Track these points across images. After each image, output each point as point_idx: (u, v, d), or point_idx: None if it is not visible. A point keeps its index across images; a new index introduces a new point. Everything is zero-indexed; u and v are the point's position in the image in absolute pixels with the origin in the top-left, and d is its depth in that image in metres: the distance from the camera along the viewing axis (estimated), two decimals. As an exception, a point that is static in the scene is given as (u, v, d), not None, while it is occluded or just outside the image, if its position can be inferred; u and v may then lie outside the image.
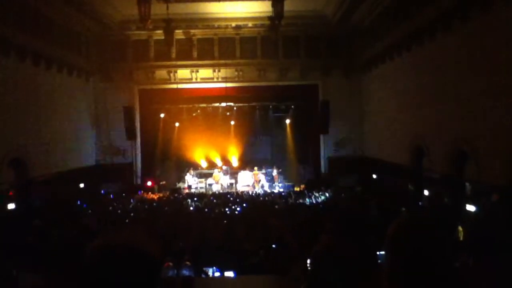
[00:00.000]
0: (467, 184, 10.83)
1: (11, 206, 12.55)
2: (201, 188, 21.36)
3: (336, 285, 1.74)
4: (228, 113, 22.64)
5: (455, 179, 11.33)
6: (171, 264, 6.70)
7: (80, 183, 17.52)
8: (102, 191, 18.31)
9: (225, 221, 11.08)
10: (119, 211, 13.86)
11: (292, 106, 22.25)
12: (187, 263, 6.96)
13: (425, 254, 1.63)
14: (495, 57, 9.52)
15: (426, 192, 12.98)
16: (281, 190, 20.25)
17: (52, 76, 15.86)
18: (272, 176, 21.94)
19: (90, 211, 13.89)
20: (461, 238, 8.61)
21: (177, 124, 22.58)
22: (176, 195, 18.77)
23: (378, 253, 1.99)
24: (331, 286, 1.74)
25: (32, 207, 13.38)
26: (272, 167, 22.25)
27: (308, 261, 1.77)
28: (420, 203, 12.91)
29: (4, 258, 5.67)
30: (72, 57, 17.37)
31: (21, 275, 4.73)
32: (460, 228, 8.77)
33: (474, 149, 10.43)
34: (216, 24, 19.52)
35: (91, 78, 19.54)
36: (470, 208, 10.18)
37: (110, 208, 14.54)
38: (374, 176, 18.33)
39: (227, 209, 13.60)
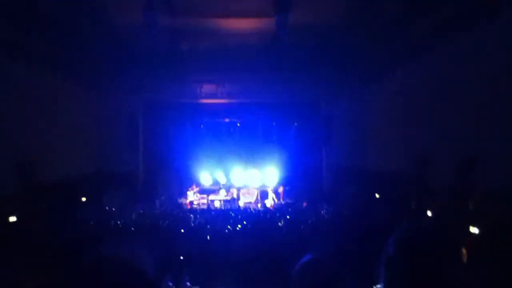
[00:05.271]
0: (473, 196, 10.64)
1: (12, 219, 12.42)
2: (202, 204, 21.26)
3: None
4: (231, 129, 22.66)
5: (462, 191, 11.15)
6: (171, 284, 6.58)
7: (81, 189, 17.31)
8: (106, 207, 18.04)
9: (227, 237, 10.97)
10: (119, 224, 13.73)
11: (296, 123, 22.25)
12: (188, 283, 6.84)
13: (425, 275, 1.57)
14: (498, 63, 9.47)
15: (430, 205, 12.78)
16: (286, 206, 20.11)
17: (56, 82, 15.78)
18: (278, 193, 21.81)
19: (91, 218, 13.77)
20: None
21: (180, 138, 22.52)
22: (177, 210, 18.64)
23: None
24: None
25: (33, 213, 13.28)
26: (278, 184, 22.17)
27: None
28: (424, 215, 12.71)
29: (10, 262, 5.60)
30: (77, 64, 17.27)
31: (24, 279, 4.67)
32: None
33: (482, 160, 10.27)
34: (221, 38, 19.57)
35: (96, 85, 19.45)
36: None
37: (112, 221, 14.40)
38: (377, 188, 18.10)
39: (229, 226, 13.50)
